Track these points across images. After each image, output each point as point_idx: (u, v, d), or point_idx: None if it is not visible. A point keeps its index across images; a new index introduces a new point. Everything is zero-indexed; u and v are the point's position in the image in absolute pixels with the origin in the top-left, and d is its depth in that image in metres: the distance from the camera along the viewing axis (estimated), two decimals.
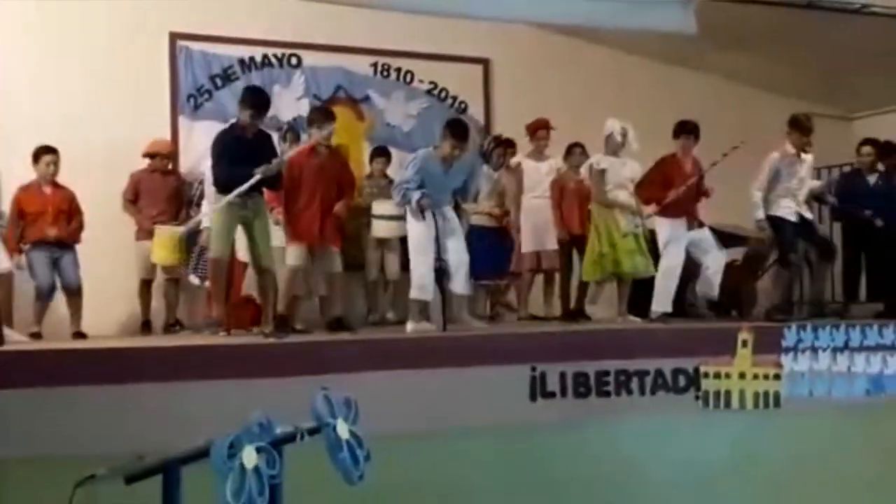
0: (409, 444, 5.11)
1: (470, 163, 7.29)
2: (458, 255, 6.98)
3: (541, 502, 5.52)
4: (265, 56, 8.68)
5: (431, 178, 6.94)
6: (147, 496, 2.82)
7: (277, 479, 2.82)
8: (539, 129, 8.49)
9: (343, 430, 2.86)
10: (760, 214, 7.73)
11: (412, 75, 9.17)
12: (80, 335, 7.08)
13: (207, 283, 7.21)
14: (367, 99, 9.06)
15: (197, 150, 8.08)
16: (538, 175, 8.51)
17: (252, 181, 6.34)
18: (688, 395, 6.17)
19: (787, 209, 7.73)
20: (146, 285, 7.79)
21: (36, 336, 6.96)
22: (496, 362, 5.87)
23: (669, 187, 7.46)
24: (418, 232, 6.97)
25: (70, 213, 7.29)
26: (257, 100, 6.72)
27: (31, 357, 5.44)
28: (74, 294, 7.20)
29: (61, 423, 4.69)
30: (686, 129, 7.61)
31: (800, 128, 7.67)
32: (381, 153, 8.44)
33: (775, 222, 7.77)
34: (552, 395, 5.92)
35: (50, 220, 7.16)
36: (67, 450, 4.41)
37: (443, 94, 9.28)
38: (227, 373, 5.17)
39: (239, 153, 6.44)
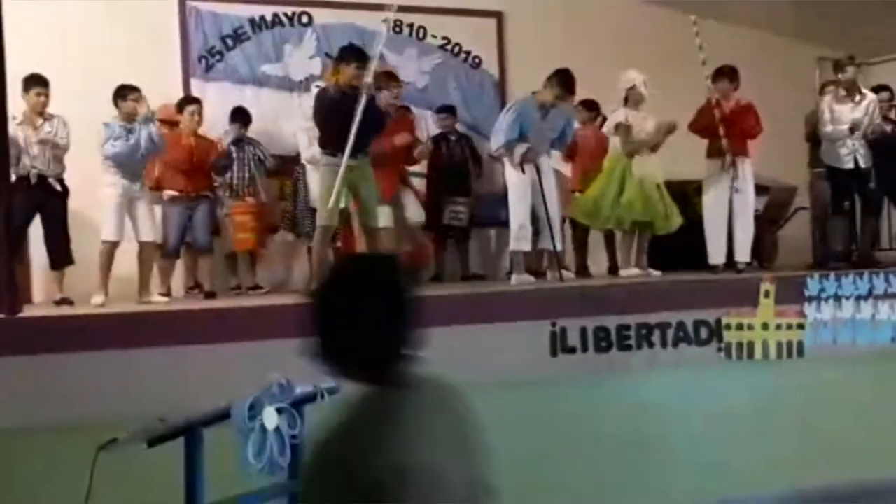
0: None
1: (565, 114, 7.33)
2: (553, 210, 7.03)
3: (563, 458, 5.51)
4: (275, 15, 8.57)
5: (529, 123, 6.98)
6: (169, 458, 2.82)
7: (298, 440, 2.82)
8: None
9: None
10: (837, 134, 7.51)
11: (425, 31, 9.05)
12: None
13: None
14: (380, 56, 8.95)
15: (210, 111, 8.02)
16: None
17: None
18: (710, 346, 6.14)
19: (839, 156, 7.57)
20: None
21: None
22: (516, 318, 5.85)
23: (714, 132, 7.36)
24: (517, 184, 7.02)
25: None
26: (361, 55, 6.64)
27: (49, 323, 5.44)
28: None
29: (81, 387, 4.71)
30: (722, 73, 7.50)
31: (839, 69, 7.54)
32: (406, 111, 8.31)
33: (828, 169, 7.65)
34: (573, 350, 5.91)
35: None
36: (87, 414, 4.43)
37: (456, 50, 9.16)
38: (246, 335, 5.17)
39: (343, 112, 6.30)
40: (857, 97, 7.57)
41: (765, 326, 6.00)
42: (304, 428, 2.83)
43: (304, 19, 8.67)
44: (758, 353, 6.00)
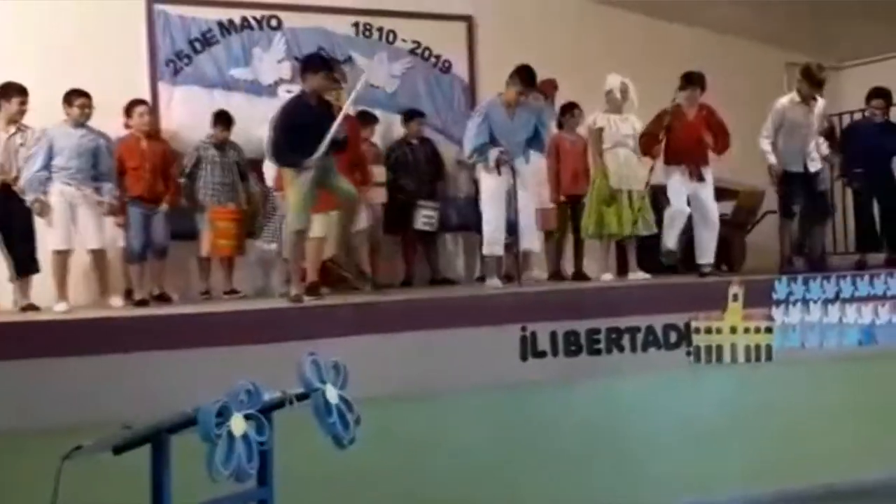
0: (400, 407, 5.09)
1: (537, 111, 7.28)
2: (528, 212, 7.03)
3: (533, 462, 5.51)
4: (244, 18, 8.51)
5: (497, 125, 6.95)
6: (135, 465, 2.78)
7: (267, 446, 2.79)
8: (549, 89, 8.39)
9: (332, 394, 2.82)
10: (772, 159, 7.61)
11: (394, 34, 9.03)
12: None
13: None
14: (349, 60, 8.93)
15: (177, 115, 7.95)
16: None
17: (326, 144, 6.13)
18: (679, 350, 6.16)
19: (792, 161, 7.63)
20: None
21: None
22: (486, 323, 5.84)
23: (670, 138, 7.41)
24: (491, 187, 7.02)
25: None
26: (326, 63, 6.62)
27: (10, 329, 5.37)
28: None
29: (43, 395, 4.65)
30: (690, 80, 7.52)
31: (810, 78, 7.54)
32: (370, 120, 8.27)
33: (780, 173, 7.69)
34: (543, 354, 5.90)
35: None
36: (51, 422, 4.37)
37: (426, 54, 9.15)
38: (214, 340, 5.13)
39: (306, 122, 6.21)
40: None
41: (733, 330, 6.02)
42: (273, 434, 2.80)
43: (273, 23, 8.63)
44: (726, 357, 6.02)
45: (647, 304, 6.32)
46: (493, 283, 7.05)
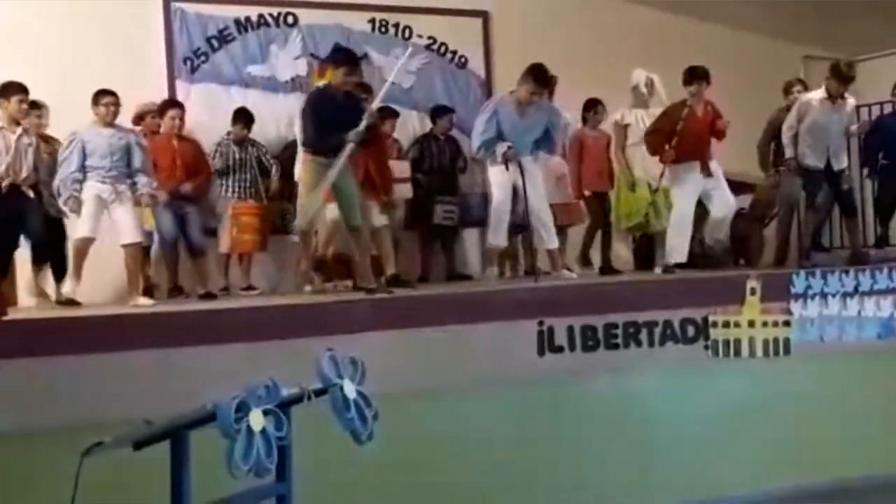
0: (418, 403, 5.11)
1: (547, 111, 7.25)
2: (540, 208, 7.02)
3: (551, 457, 5.52)
4: (261, 15, 8.53)
5: (507, 122, 6.93)
6: (154, 460, 2.81)
7: (285, 441, 2.80)
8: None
9: (350, 389, 2.83)
10: (789, 153, 7.57)
11: (410, 30, 9.03)
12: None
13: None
14: (365, 56, 8.94)
15: (195, 113, 7.98)
16: None
17: (348, 148, 6.20)
18: (697, 345, 6.14)
19: (815, 158, 7.56)
20: (145, 251, 7.70)
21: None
22: (503, 318, 5.84)
23: (681, 136, 7.35)
24: (500, 182, 7.01)
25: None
26: (350, 57, 6.66)
27: (30, 327, 5.40)
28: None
29: (63, 392, 4.68)
30: (696, 75, 7.47)
31: (838, 76, 7.45)
32: (390, 114, 8.30)
33: (802, 168, 7.65)
34: (560, 349, 5.89)
35: None
36: (71, 419, 4.40)
37: (442, 49, 9.15)
38: (232, 337, 5.15)
39: (332, 114, 6.29)
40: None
41: (751, 324, 6.00)
42: (291, 430, 2.82)
43: (290, 20, 8.65)
44: (744, 351, 6.00)
45: (664, 298, 6.30)
46: (491, 273, 7.12)
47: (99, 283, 7.13)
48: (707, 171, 7.44)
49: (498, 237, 7.17)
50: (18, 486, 4.39)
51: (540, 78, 6.95)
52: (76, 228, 6.67)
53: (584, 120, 8.32)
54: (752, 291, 6.04)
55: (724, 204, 7.50)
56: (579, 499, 5.51)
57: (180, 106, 7.51)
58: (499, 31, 9.22)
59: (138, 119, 7.60)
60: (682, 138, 7.35)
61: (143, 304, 6.50)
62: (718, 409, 5.91)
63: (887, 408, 6.16)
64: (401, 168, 7.80)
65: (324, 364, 2.82)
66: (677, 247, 7.48)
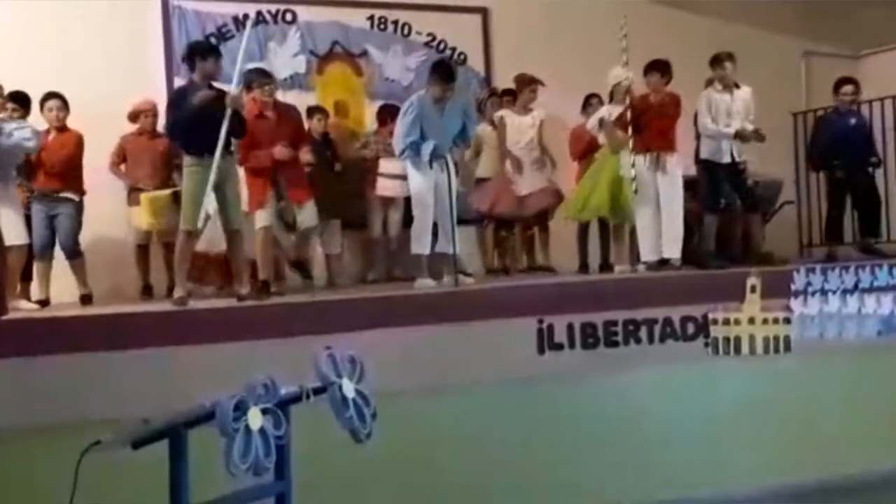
0: (417, 401, 5.10)
1: (462, 105, 7.17)
2: (449, 210, 6.87)
3: (551, 454, 5.51)
4: (259, 13, 8.54)
5: (429, 121, 6.87)
6: (152, 459, 2.80)
7: (284, 440, 2.80)
8: (526, 85, 8.34)
9: (349, 388, 2.82)
10: (729, 131, 7.53)
11: (410, 27, 9.03)
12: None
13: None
14: (364, 53, 8.93)
15: None
16: (522, 128, 8.37)
17: (220, 142, 6.02)
18: (697, 342, 6.13)
19: (717, 150, 7.57)
20: (142, 250, 7.70)
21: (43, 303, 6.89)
22: (502, 316, 5.83)
23: (638, 125, 7.34)
24: (421, 187, 6.90)
25: None
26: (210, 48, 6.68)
27: (29, 326, 5.39)
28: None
29: (61, 390, 4.67)
30: (654, 67, 7.46)
31: (716, 62, 7.57)
32: (390, 112, 8.26)
33: (705, 165, 7.66)
34: (560, 346, 5.89)
35: None
36: (69, 417, 4.39)
37: (441, 46, 9.14)
38: (231, 335, 5.14)
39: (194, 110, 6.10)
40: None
41: (751, 321, 5.99)
42: (290, 429, 2.81)
43: (288, 17, 8.66)
44: (744, 349, 5.99)
45: (664, 295, 6.29)
46: (424, 284, 6.80)
47: (97, 284, 7.16)
48: (660, 166, 7.35)
49: (422, 246, 6.91)
50: (17, 485, 4.38)
51: (445, 74, 6.85)
52: None
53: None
54: (753, 289, 6.02)
55: (672, 220, 7.36)
56: (578, 496, 5.50)
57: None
58: (498, 27, 9.22)
59: (133, 117, 7.58)
60: (639, 128, 7.35)
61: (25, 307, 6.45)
62: (719, 407, 5.91)
63: (888, 404, 6.15)
64: (399, 165, 7.76)
65: (322, 362, 2.81)
66: (645, 246, 7.48)
